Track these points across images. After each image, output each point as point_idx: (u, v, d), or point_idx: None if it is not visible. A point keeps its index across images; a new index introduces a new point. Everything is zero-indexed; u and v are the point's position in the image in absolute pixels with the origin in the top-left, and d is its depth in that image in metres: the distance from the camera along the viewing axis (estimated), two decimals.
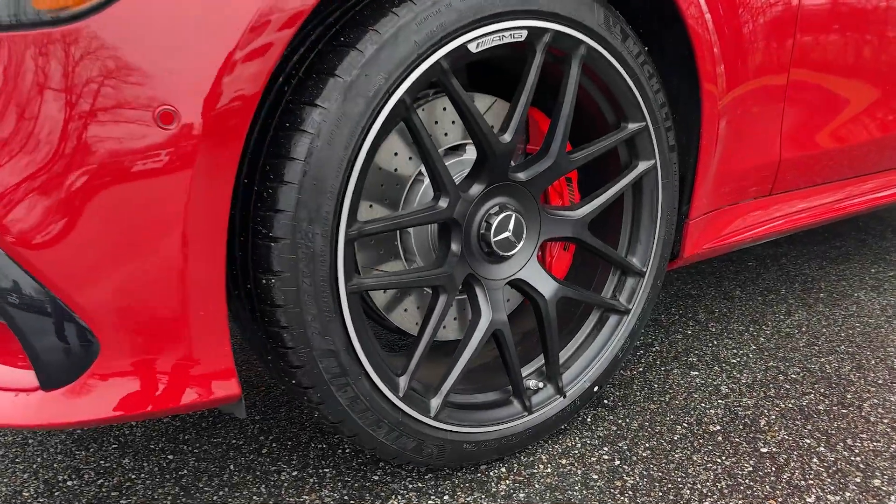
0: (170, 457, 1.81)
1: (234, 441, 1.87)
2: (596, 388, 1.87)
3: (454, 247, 1.59)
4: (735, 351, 2.37)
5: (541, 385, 1.79)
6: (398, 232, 1.70)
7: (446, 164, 1.65)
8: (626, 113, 1.74)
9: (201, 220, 1.15)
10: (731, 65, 1.86)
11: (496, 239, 1.61)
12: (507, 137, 1.55)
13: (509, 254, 1.65)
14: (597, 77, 1.68)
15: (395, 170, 1.65)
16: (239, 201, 1.31)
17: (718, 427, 1.92)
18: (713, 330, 2.54)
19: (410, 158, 1.65)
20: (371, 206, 1.63)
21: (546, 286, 1.73)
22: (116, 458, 1.81)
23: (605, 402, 2.04)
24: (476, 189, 1.58)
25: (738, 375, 2.20)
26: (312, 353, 1.36)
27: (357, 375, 1.43)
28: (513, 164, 1.62)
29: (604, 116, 1.78)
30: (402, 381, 1.53)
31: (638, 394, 2.10)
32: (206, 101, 1.11)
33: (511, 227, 1.63)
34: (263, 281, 1.31)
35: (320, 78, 1.29)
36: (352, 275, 1.39)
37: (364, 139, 1.33)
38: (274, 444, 1.85)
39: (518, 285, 1.74)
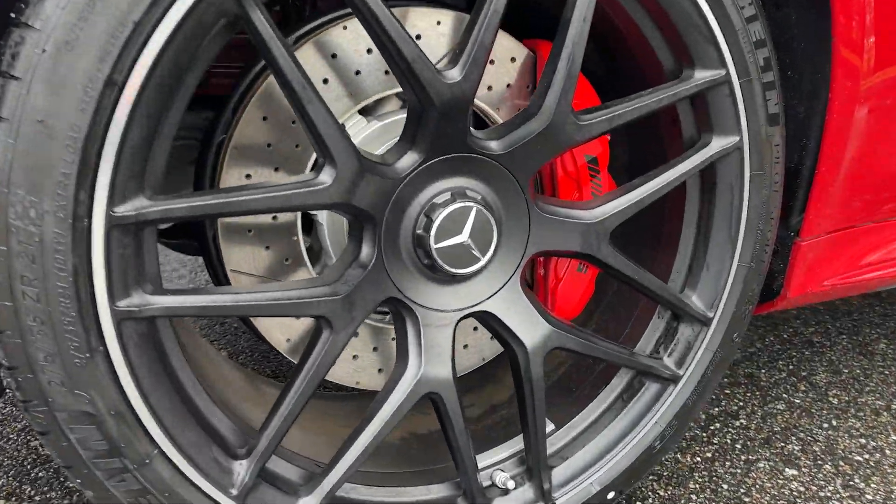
0: None
1: None
2: (612, 496, 1.18)
3: (364, 251, 0.96)
4: (864, 441, 1.57)
5: (512, 484, 1.13)
6: (298, 222, 1.09)
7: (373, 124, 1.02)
8: (692, 51, 1.03)
9: None
10: (885, 37, 1.11)
11: (439, 246, 0.97)
12: (455, 75, 0.90)
13: (466, 271, 1.00)
14: None
15: (294, 122, 1.04)
16: None
17: None
18: (834, 402, 1.74)
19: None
20: (249, 174, 1.04)
21: (530, 328, 1.06)
22: None
23: None
24: (407, 161, 0.94)
25: (862, 485, 1.42)
26: (54, 415, 0.79)
27: (144, 457, 0.85)
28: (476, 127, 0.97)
29: (654, 56, 1.07)
30: (241, 469, 0.92)
31: (694, 499, 1.37)
32: None
33: (468, 227, 0.98)
34: None
35: None
36: (128, 289, 0.80)
37: (143, 48, 0.73)
38: None
39: (485, 322, 1.08)
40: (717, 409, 1.71)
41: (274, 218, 1.07)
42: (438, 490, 1.11)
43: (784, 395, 1.78)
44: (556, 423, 1.19)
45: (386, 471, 1.13)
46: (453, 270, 0.99)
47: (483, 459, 1.15)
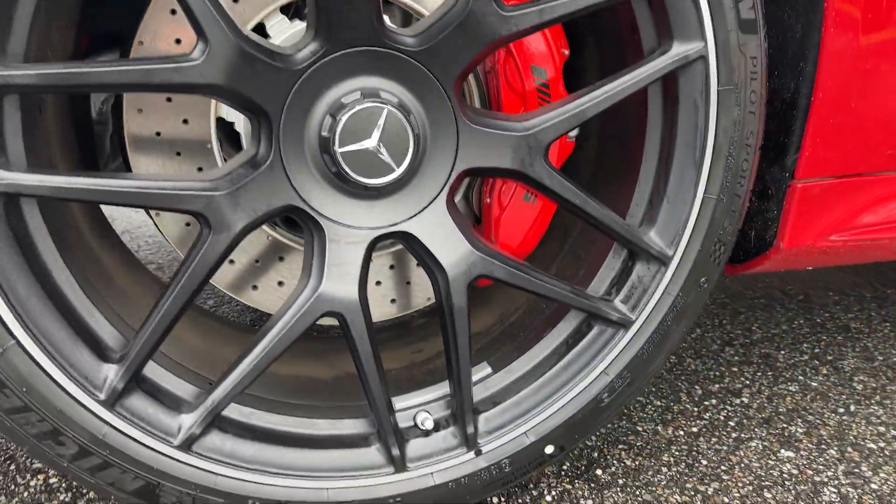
0: None
1: None
2: (551, 450, 1.05)
3: (261, 150, 0.88)
4: (883, 430, 1.36)
5: (431, 425, 1.02)
6: (212, 126, 1.03)
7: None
8: None
9: None
10: None
11: (344, 150, 0.88)
12: None
13: (376, 181, 0.90)
14: None
15: None
16: None
17: None
18: (858, 387, 1.53)
19: None
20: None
21: (452, 253, 0.96)
22: None
23: (580, 477, 1.21)
24: (308, 51, 0.86)
25: (869, 473, 1.23)
26: None
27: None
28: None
29: None
30: (111, 373, 0.86)
31: (664, 471, 1.23)
32: None
33: (378, 131, 0.88)
34: None
35: None
36: None
37: None
38: None
39: (407, 246, 0.98)
40: (717, 385, 1.54)
41: (185, 122, 1.01)
42: (351, 426, 1.02)
43: (800, 377, 1.58)
44: (495, 367, 1.08)
45: (302, 402, 1.05)
46: (361, 179, 0.90)
47: (410, 399, 1.05)
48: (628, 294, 1.04)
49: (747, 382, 1.56)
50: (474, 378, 1.05)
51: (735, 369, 1.61)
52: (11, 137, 0.79)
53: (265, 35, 1.01)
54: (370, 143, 0.90)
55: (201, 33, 0.79)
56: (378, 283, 1.17)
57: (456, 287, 0.96)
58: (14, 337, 0.80)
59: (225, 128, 1.06)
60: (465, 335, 0.97)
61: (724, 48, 0.95)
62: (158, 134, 1.00)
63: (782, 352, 1.71)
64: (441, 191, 0.96)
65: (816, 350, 1.72)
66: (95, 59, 1.31)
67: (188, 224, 1.09)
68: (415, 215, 0.96)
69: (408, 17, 1.09)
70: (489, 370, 1.07)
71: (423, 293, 1.20)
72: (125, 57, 1.14)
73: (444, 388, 1.06)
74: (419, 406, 1.05)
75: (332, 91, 0.88)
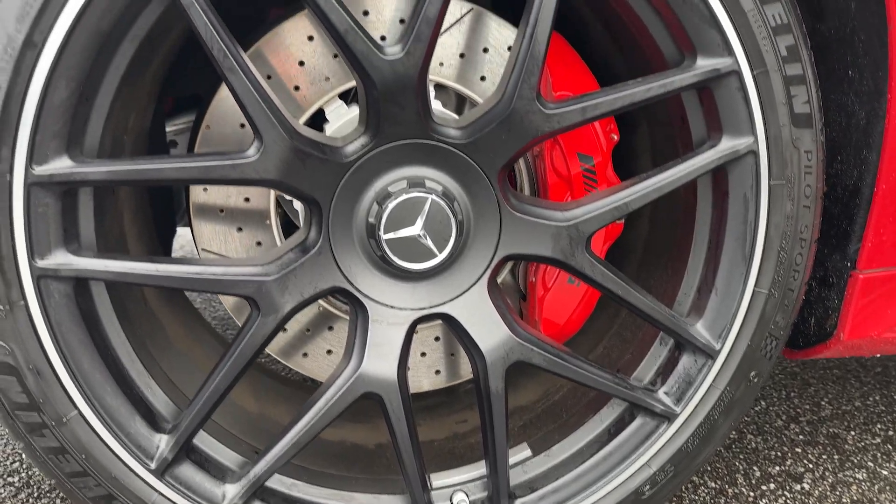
0: None
1: None
2: None
3: (311, 235, 0.93)
4: None
5: None
6: (271, 205, 1.08)
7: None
8: (690, 35, 0.90)
9: None
10: None
11: (389, 236, 0.91)
12: (396, 51, 0.85)
13: (419, 267, 0.93)
14: None
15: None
16: None
17: None
18: None
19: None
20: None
21: (491, 337, 0.97)
22: None
23: None
24: (357, 144, 0.90)
25: None
26: None
27: (61, 416, 0.87)
28: (439, 110, 0.91)
29: (654, 42, 0.95)
30: (162, 443, 0.92)
31: None
32: None
33: (422, 219, 0.91)
34: None
35: None
36: (50, 247, 0.82)
37: (62, 9, 0.75)
38: None
39: (449, 327, 1.00)
40: (777, 467, 1.47)
41: (246, 200, 1.07)
42: (388, 501, 1.04)
43: (869, 462, 1.50)
44: (535, 449, 1.08)
45: (344, 473, 1.08)
46: (404, 264, 0.93)
47: (447, 477, 1.06)
48: (673, 385, 1.02)
49: (811, 466, 1.48)
50: (513, 460, 1.05)
51: (799, 450, 1.54)
52: (84, 223, 0.87)
53: (324, 119, 1.06)
54: (414, 230, 0.93)
55: (256, 132, 0.84)
56: (423, 354, 1.19)
57: (494, 371, 0.97)
58: (77, 408, 0.87)
59: (284, 203, 1.11)
60: (503, 419, 0.98)
61: (775, 143, 0.93)
62: (222, 211, 1.07)
63: (852, 432, 1.62)
64: (482, 275, 0.98)
65: (891, 432, 1.62)
66: (175, 122, 1.41)
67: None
68: (455, 298, 0.98)
69: (462, 99, 1.12)
70: (529, 452, 1.07)
71: (468, 364, 1.21)
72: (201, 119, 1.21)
73: (482, 468, 1.07)
74: (457, 485, 1.06)
75: (380, 180, 0.92)
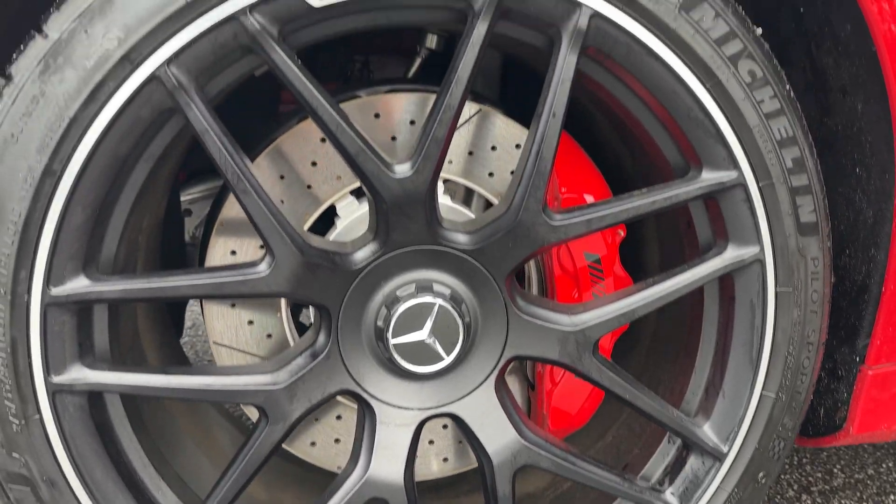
0: None
1: None
2: None
3: (320, 340, 0.94)
4: None
5: None
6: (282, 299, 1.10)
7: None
8: (696, 149, 0.91)
9: None
10: None
11: (398, 341, 0.92)
12: (405, 170, 0.86)
13: (427, 370, 0.94)
14: (630, 77, 0.89)
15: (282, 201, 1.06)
16: None
17: None
18: None
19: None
20: (234, 251, 1.06)
21: (499, 440, 0.97)
22: None
23: None
24: (366, 252, 0.91)
25: None
26: None
27: None
28: (445, 216, 0.92)
29: (660, 152, 0.96)
30: None
31: None
32: None
33: (430, 324, 0.92)
34: None
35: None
36: (65, 363, 0.84)
37: (80, 139, 0.78)
38: None
39: (457, 427, 1.01)
40: None
41: None
42: None
43: None
44: None
45: None
46: (413, 368, 0.94)
47: None
48: (681, 486, 1.02)
49: None
50: None
51: None
52: (99, 335, 0.88)
53: (335, 214, 1.08)
54: (422, 335, 0.94)
55: (268, 248, 0.86)
56: (431, 441, 1.19)
57: (501, 475, 0.97)
58: None
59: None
60: None
61: (782, 252, 0.93)
62: (233, 304, 1.08)
63: None
64: (489, 375, 0.99)
65: None
66: (190, 192, 1.43)
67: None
68: (463, 398, 0.99)
69: (471, 190, 1.13)
70: None
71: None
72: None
73: None
74: None
75: (389, 284, 0.93)
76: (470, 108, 1.06)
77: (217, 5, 0.76)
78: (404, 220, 0.89)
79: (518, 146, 1.08)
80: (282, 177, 1.04)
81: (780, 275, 0.94)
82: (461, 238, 0.93)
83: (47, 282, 0.81)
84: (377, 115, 1.05)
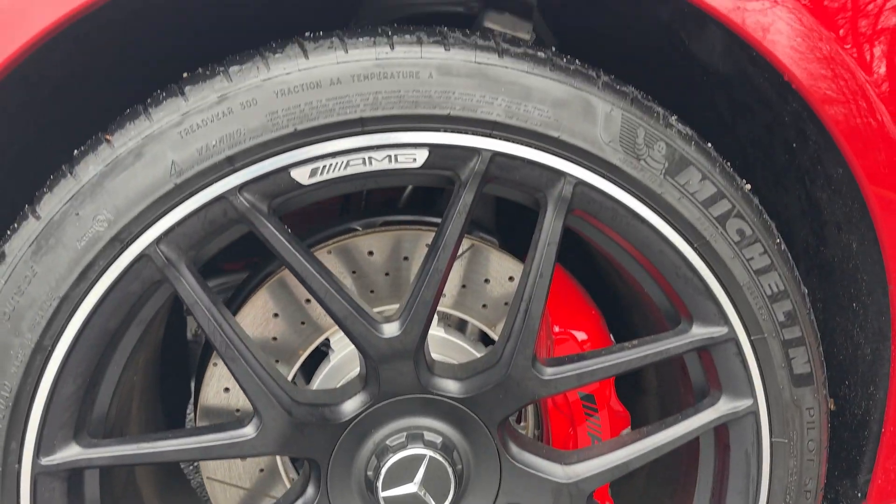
0: None
1: None
2: None
3: (309, 492, 0.94)
4: None
5: None
6: None
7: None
8: (687, 305, 0.91)
9: None
10: None
11: (387, 494, 0.92)
12: (393, 330, 0.87)
13: None
14: (617, 236, 0.89)
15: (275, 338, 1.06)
16: None
17: None
18: None
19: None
20: (227, 388, 1.07)
21: None
22: None
23: None
24: (355, 403, 0.91)
25: None
26: None
27: None
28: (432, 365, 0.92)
29: (652, 301, 0.96)
30: None
31: None
32: None
33: (420, 475, 0.92)
34: None
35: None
36: None
37: (71, 316, 0.79)
38: None
39: None
40: None
41: None
42: None
43: None
44: None
45: None
46: None
47: None
48: None
49: None
50: None
51: None
52: (89, 490, 0.89)
53: (329, 347, 1.08)
54: (412, 487, 0.93)
55: (256, 411, 0.86)
56: None
57: None
58: None
59: None
60: None
61: (776, 404, 0.92)
62: None
63: None
64: None
65: None
66: None
67: None
68: None
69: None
70: None
71: None
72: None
73: None
74: None
75: (379, 432, 0.93)
76: (463, 244, 1.07)
77: (206, 187, 0.78)
78: (394, 373, 0.89)
79: (511, 279, 1.09)
80: (276, 314, 1.05)
81: (775, 426, 0.93)
82: (452, 386, 0.92)
83: (38, 452, 0.81)
84: (371, 253, 1.06)
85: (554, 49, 0.85)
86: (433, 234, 1.05)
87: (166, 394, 1.30)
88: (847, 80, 0.86)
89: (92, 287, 0.79)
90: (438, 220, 1.09)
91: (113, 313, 0.81)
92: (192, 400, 1.54)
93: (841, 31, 0.87)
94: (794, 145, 1.03)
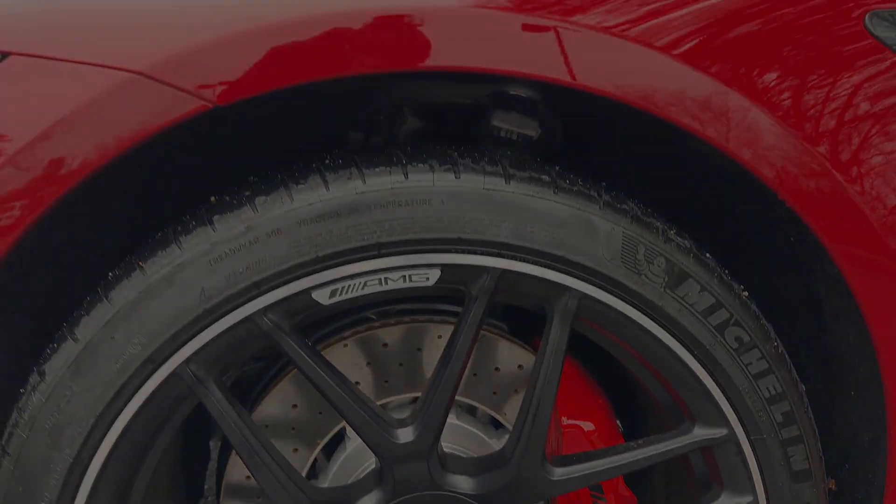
0: None
1: None
2: None
3: None
4: None
5: None
6: None
7: None
8: (688, 406, 0.95)
9: None
10: None
11: None
12: (408, 435, 0.91)
13: None
14: (621, 341, 0.94)
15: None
16: None
17: None
18: None
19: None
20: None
21: None
22: None
23: None
24: (372, 499, 0.96)
25: None
26: None
27: None
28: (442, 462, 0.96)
29: (656, 397, 1.00)
30: None
31: None
32: None
33: None
34: None
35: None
36: None
37: (103, 437, 0.84)
38: None
39: None
40: None
41: None
42: None
43: None
44: None
45: None
46: None
47: None
48: None
49: None
50: None
51: None
52: None
53: (345, 436, 1.13)
54: None
55: None
56: None
57: None
58: None
59: None
60: None
61: (775, 500, 0.96)
62: None
63: None
64: None
65: None
66: None
67: None
68: None
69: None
70: None
71: None
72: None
73: None
74: None
75: None
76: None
77: (233, 310, 0.83)
78: (408, 475, 0.94)
79: (520, 366, 1.13)
80: (294, 406, 1.10)
81: None
82: (464, 483, 0.97)
83: None
84: (385, 345, 1.11)
85: (558, 170, 0.90)
86: (444, 325, 1.11)
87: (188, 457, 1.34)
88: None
89: (126, 405, 0.84)
90: (450, 307, 1.16)
91: (145, 427, 0.86)
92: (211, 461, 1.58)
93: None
94: (792, 239, 1.07)
